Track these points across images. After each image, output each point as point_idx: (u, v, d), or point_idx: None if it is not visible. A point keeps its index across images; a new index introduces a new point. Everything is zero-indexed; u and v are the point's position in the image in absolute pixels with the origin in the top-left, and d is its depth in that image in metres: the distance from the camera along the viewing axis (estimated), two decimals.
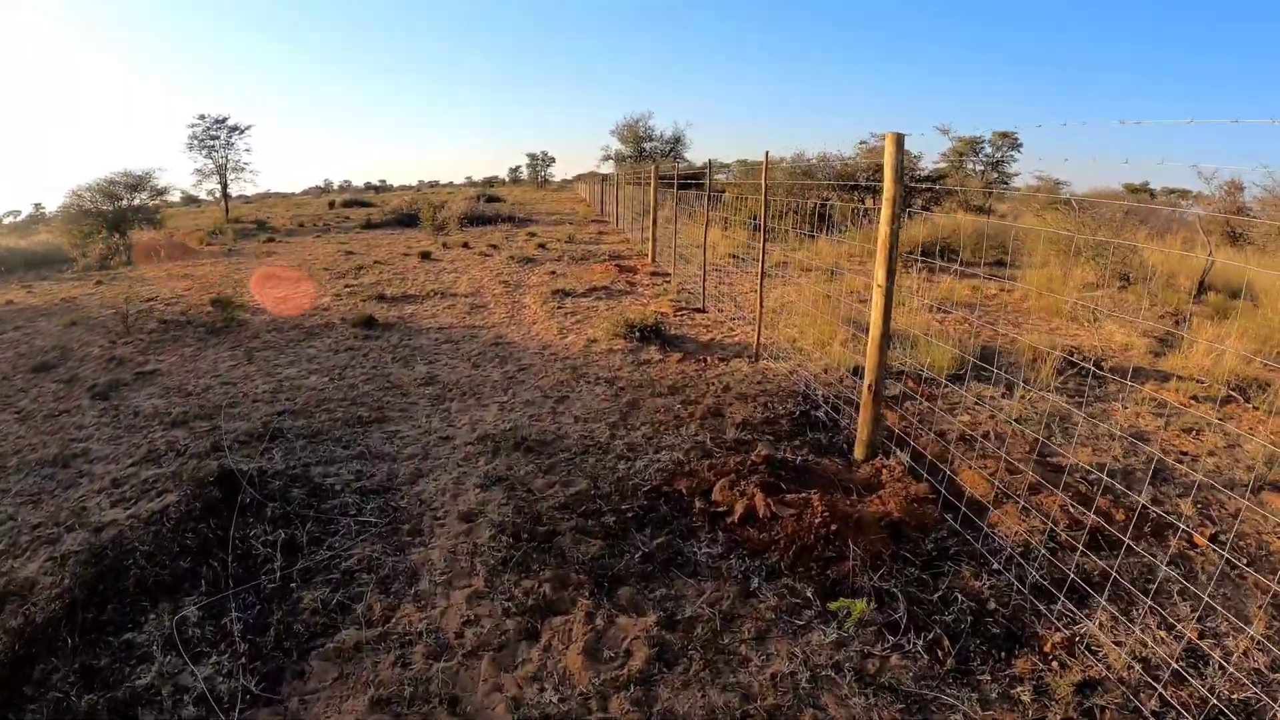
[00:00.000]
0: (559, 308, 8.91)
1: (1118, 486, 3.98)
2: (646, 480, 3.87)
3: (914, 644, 2.70)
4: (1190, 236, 11.42)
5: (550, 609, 2.92)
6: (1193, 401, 5.51)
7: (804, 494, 3.41)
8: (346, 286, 10.60)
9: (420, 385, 5.85)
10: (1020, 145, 21.17)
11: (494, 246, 15.36)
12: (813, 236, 14.54)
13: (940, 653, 2.67)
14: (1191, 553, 3.43)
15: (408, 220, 21.94)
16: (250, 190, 46.46)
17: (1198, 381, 5.81)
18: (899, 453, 4.05)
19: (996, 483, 3.76)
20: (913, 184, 16.63)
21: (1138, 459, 4.42)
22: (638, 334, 7.01)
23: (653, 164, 12.90)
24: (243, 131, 33.39)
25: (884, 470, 3.89)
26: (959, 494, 3.71)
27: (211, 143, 32.46)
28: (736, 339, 7.34)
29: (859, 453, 4.13)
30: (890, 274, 3.75)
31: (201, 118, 32.61)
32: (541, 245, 15.72)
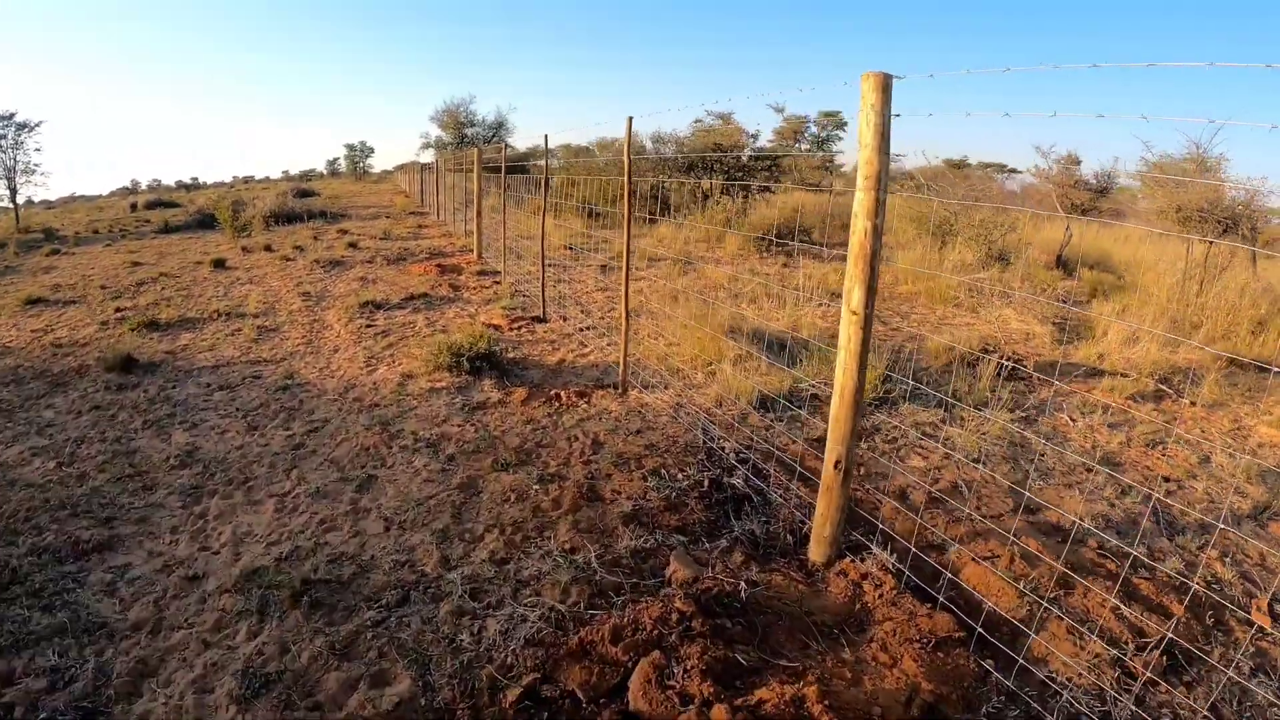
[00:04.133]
0: (368, 326, 7.05)
1: (1144, 558, 2.99)
2: (512, 669, 2.28)
3: None
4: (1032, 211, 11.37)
5: None
6: (1131, 403, 4.78)
7: (786, 681, 2.04)
8: (118, 310, 8.05)
9: (173, 468, 3.94)
10: (845, 124, 21.15)
11: (299, 248, 12.86)
12: (653, 221, 13.52)
13: None
14: (1263, 642, 2.52)
15: (210, 221, 18.47)
16: (52, 195, 38.39)
17: (1124, 375, 5.11)
18: (877, 550, 2.80)
19: (1021, 586, 2.60)
20: (752, 161, 15.88)
21: (1133, 499, 3.50)
22: (467, 363, 5.37)
23: (475, 149, 11.08)
24: (32, 129, 27.01)
25: (865, 583, 2.62)
26: (973, 609, 2.52)
27: None
28: (591, 358, 5.90)
29: (816, 554, 2.83)
30: (871, 292, 2.43)
31: None
32: (353, 245, 13.43)
